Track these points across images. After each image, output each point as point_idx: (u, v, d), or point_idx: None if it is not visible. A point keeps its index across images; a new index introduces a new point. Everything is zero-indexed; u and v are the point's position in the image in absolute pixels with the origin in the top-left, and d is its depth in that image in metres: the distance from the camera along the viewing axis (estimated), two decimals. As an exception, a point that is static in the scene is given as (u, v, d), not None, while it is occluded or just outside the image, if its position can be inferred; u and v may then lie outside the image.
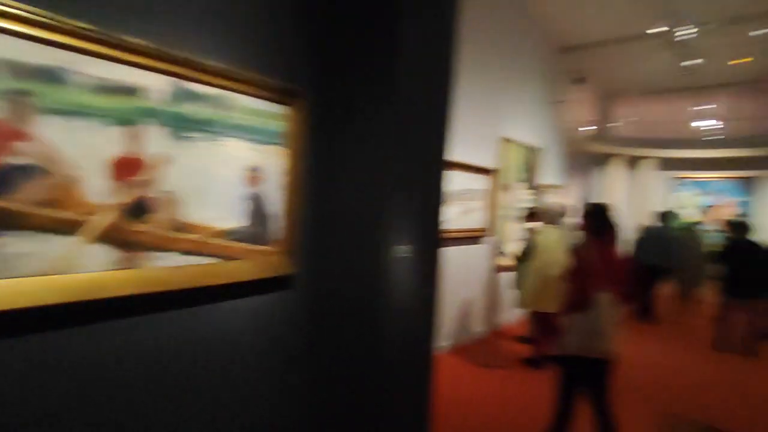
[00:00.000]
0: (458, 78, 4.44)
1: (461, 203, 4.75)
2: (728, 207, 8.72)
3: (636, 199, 9.36)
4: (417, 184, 2.31)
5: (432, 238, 2.50)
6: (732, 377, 4.62)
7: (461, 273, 4.88)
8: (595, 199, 8.95)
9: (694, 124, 11.34)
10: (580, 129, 9.55)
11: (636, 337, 5.81)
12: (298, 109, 2.03)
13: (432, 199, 2.47)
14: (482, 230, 5.18)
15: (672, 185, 9.27)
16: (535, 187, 6.37)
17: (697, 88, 8.86)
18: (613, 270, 2.67)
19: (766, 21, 5.72)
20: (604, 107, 9.90)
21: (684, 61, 7.01)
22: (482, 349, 4.82)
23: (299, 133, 2.04)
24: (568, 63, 7.34)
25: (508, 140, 5.56)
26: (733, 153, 8.52)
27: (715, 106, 9.81)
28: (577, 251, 2.75)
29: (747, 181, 8.52)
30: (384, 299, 2.17)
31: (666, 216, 6.76)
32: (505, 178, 5.61)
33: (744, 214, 8.50)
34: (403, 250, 2.21)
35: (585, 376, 2.73)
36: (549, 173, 6.92)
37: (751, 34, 5.96)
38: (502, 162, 5.46)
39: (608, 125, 9.90)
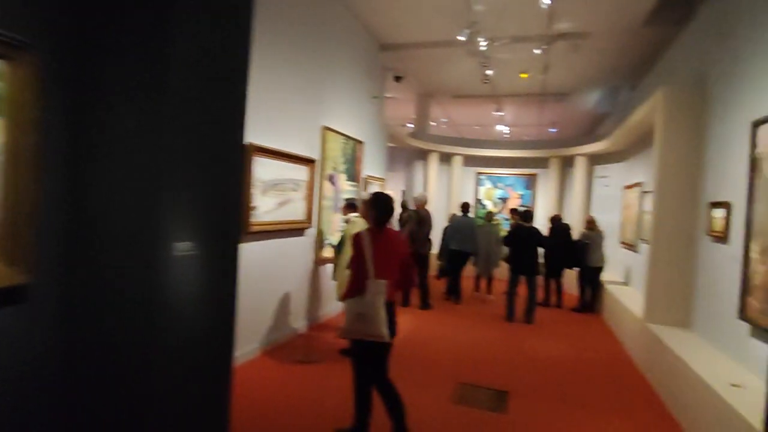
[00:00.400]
0: (269, 61, 4.19)
1: (280, 193, 4.53)
2: (515, 199, 10.41)
3: (449, 192, 10.46)
4: (205, 171, 2.00)
5: (228, 232, 2.23)
6: (516, 344, 5.44)
7: (280, 267, 4.67)
8: (414, 191, 9.68)
9: (493, 127, 13.20)
10: (402, 125, 10.18)
11: (441, 315, 6.45)
12: (21, 66, 1.53)
13: (228, 189, 2.19)
14: (303, 222, 5.04)
15: (476, 180, 10.63)
16: (357, 179, 6.51)
17: (495, 96, 10.26)
18: (391, 258, 2.80)
19: (543, 41, 6.85)
20: (423, 107, 10.76)
21: (485, 70, 7.99)
22: (301, 344, 4.71)
23: (23, 99, 1.54)
24: (389, 60, 7.69)
25: (330, 130, 5.53)
26: (520, 154, 10.17)
27: (503, 113, 11.54)
28: (355, 240, 2.81)
29: (529, 177, 10.30)
30: (163, 305, 1.83)
31: (467, 207, 7.64)
32: (328, 168, 5.58)
33: (526, 205, 10.24)
34: (185, 248, 1.89)
35: (366, 358, 2.83)
36: (372, 165, 7.17)
37: (535, 51, 7.07)
38: (324, 152, 5.39)
39: (425, 124, 10.79)
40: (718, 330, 3.78)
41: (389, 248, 2.82)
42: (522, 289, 6.51)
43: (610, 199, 8.61)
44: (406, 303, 6.76)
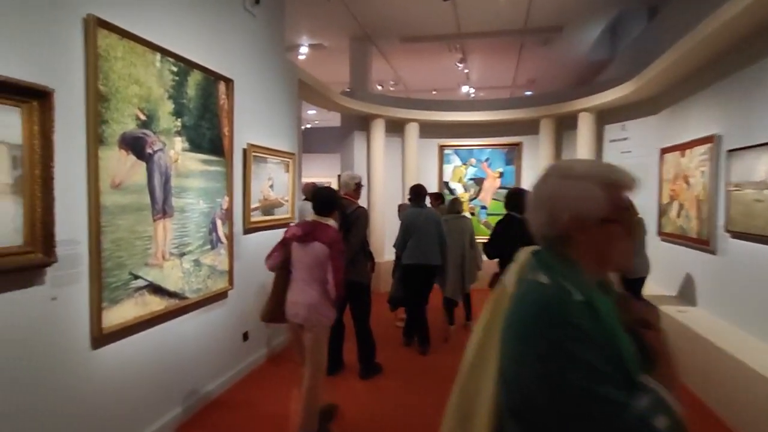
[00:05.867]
0: None
1: None
2: (494, 179, 7.65)
3: (403, 174, 7.53)
4: None
5: None
6: None
7: None
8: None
9: (456, 90, 10.36)
10: (341, 93, 7.12)
11: (393, 391, 3.49)
12: None
13: None
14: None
15: (439, 155, 7.77)
16: (225, 150, 3.43)
17: (460, 37, 7.37)
18: None
19: None
20: (361, 56, 7.74)
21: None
22: None
23: None
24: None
25: (117, 32, 2.41)
26: (498, 116, 7.36)
27: (468, 70, 8.66)
28: None
29: (511, 148, 7.55)
30: None
31: (420, 193, 4.71)
32: (123, 119, 2.47)
33: (506, 186, 7.51)
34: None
35: None
36: (264, 131, 4.11)
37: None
38: (93, 78, 2.28)
39: (366, 80, 7.78)
40: None
41: None
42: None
43: (632, 169, 5.94)
44: (335, 368, 3.80)
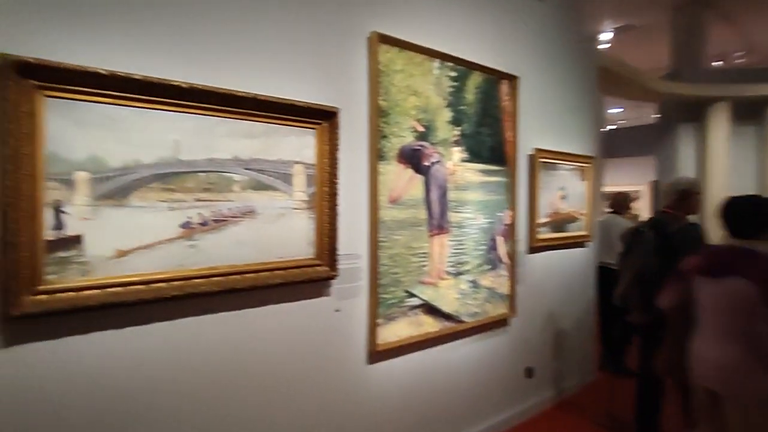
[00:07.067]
0: None
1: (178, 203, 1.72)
2: None
3: (762, 175, 5.34)
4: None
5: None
6: None
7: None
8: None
9: None
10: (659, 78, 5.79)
11: None
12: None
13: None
14: (303, 263, 2.06)
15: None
16: (507, 158, 3.04)
17: None
18: None
19: None
20: (689, 27, 5.97)
21: None
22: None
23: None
24: None
25: (396, 44, 2.38)
26: None
27: None
28: None
29: None
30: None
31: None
32: (400, 132, 2.42)
33: None
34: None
35: None
36: (551, 132, 3.50)
37: None
38: (374, 93, 2.28)
39: (699, 57, 5.95)
40: None
41: None
42: None
43: None
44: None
